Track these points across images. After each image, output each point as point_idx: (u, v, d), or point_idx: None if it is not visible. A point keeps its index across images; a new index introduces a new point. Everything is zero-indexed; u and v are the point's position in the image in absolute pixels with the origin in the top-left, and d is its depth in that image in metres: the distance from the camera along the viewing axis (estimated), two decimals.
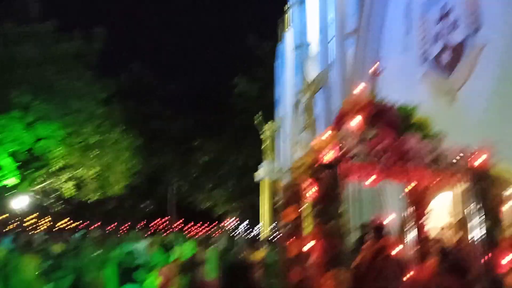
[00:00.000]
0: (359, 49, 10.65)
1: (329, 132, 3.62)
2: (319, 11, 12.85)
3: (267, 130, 17.55)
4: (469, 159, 3.16)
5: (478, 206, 2.94)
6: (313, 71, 14.19)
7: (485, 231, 2.87)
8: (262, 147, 17.78)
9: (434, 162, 3.14)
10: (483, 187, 2.97)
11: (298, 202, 3.79)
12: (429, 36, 8.41)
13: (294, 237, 3.77)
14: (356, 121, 3.51)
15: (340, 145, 3.30)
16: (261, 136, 17.83)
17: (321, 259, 3.11)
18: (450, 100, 7.67)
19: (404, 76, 9.20)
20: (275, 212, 14.64)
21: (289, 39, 17.30)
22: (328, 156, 3.14)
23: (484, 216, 2.91)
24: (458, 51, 7.48)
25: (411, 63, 8.99)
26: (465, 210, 3.06)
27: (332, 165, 3.22)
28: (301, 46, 16.93)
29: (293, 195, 3.90)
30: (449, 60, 7.70)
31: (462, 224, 3.00)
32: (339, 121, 3.79)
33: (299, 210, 3.81)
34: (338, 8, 11.44)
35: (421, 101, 8.48)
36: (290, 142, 15.91)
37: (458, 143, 7.04)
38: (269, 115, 18.77)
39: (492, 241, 2.87)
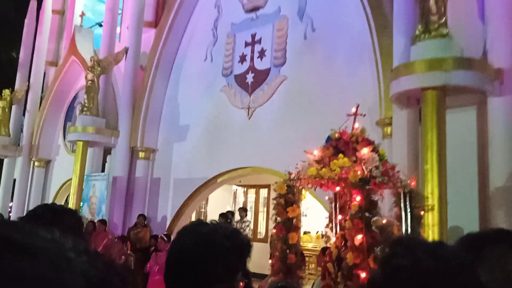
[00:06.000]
0: (157, 43, 10.83)
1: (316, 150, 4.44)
2: None
3: (5, 98, 14.71)
4: (403, 179, 4.35)
5: (408, 210, 4.22)
6: (86, 47, 13.22)
7: (410, 226, 4.23)
8: None
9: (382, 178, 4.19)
10: (411, 198, 4.27)
11: (296, 203, 4.35)
12: (235, 55, 9.61)
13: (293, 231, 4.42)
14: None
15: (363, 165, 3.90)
16: None
17: (365, 245, 3.87)
18: (247, 114, 9.05)
19: (205, 82, 10.09)
20: None
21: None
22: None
23: (410, 216, 4.24)
24: (261, 76, 8.95)
25: (213, 73, 9.96)
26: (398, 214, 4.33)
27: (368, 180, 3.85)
28: (62, 12, 15.36)
29: (292, 196, 4.41)
30: (252, 81, 9.09)
31: (397, 221, 4.25)
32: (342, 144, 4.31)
33: (297, 209, 4.32)
34: None
35: (218, 107, 9.64)
36: (39, 120, 14.05)
37: (253, 147, 8.53)
38: (11, 79, 15.83)
39: (415, 233, 4.24)
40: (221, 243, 1.22)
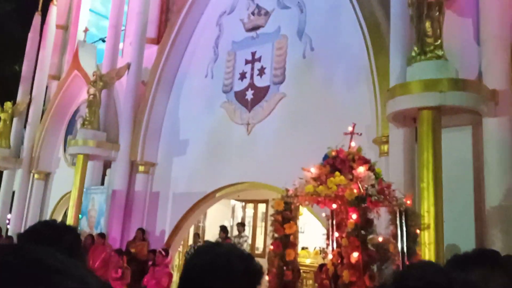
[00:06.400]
0: (159, 59, 11.00)
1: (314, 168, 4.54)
2: (112, 6, 12.42)
3: (7, 111, 14.82)
4: (400, 198, 4.44)
5: (404, 228, 4.30)
6: (89, 62, 13.40)
7: (406, 244, 4.31)
8: None
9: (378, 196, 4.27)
10: (407, 216, 4.35)
11: (293, 219, 4.47)
12: (235, 72, 9.77)
13: (290, 248, 4.50)
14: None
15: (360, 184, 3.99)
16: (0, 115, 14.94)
17: (361, 263, 3.95)
18: (246, 130, 9.16)
19: (206, 98, 10.23)
20: None
21: (53, 14, 15.51)
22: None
23: (406, 234, 4.32)
24: (261, 93, 9.09)
25: (213, 89, 10.11)
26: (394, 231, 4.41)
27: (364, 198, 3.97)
28: (66, 27, 15.63)
29: (289, 213, 4.51)
30: (252, 98, 9.22)
31: (393, 239, 4.32)
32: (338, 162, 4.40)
33: (294, 226, 4.42)
34: (143, 12, 11.47)
35: (218, 123, 9.75)
36: (40, 132, 14.17)
37: (252, 162, 8.63)
38: (12, 91, 15.99)
39: (411, 251, 4.32)
40: (236, 265, 1.25)
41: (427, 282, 0.99)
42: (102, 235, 9.34)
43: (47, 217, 13.33)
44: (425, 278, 1.00)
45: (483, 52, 6.08)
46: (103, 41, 13.74)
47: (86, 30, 14.72)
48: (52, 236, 1.62)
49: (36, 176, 13.97)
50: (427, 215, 5.36)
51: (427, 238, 5.31)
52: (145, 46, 11.43)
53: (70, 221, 10.16)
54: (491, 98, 5.79)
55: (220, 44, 10.33)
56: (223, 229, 10.17)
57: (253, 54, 9.50)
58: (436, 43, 5.78)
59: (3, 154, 14.13)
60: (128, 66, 11.27)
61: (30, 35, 15.53)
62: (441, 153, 5.59)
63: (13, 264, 0.51)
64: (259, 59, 9.32)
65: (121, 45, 12.50)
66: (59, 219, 13.13)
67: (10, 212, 14.18)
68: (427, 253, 5.26)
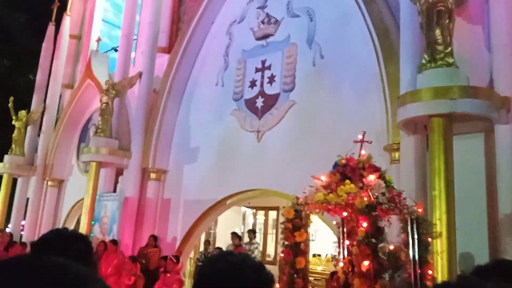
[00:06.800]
0: (170, 68, 11.14)
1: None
2: (124, 16, 12.62)
3: (21, 119, 15.11)
4: (411, 206, 4.46)
5: (416, 237, 4.32)
6: (101, 71, 13.61)
7: (418, 253, 4.29)
8: (13, 135, 15.19)
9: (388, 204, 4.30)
10: (418, 224, 4.36)
11: (304, 227, 4.55)
12: (245, 80, 9.84)
13: (300, 255, 4.55)
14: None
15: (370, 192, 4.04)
16: (14, 123, 15.24)
17: (372, 271, 3.96)
18: (256, 138, 9.21)
19: (216, 106, 10.32)
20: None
21: (66, 24, 15.81)
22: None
23: (418, 243, 4.32)
24: (271, 101, 9.14)
25: (224, 97, 10.20)
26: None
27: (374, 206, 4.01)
28: (79, 37, 15.91)
29: (299, 221, 4.57)
30: (262, 106, 9.28)
31: (405, 247, 4.34)
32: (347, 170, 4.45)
33: (305, 234, 4.49)
34: (154, 21, 11.64)
35: (229, 130, 9.83)
36: (53, 140, 14.41)
37: (262, 170, 8.67)
38: (27, 100, 16.29)
39: (423, 259, 4.31)
40: (249, 274, 1.28)
41: None
42: (114, 242, 9.43)
43: (60, 223, 13.51)
44: None
45: (494, 59, 6.05)
46: (116, 50, 13.97)
47: (98, 40, 14.96)
48: (64, 245, 1.66)
49: (49, 183, 14.17)
50: (439, 223, 5.33)
51: (439, 246, 5.26)
52: (156, 55, 11.58)
53: (83, 227, 10.29)
54: (502, 105, 5.75)
55: (230, 53, 10.42)
56: (236, 235, 10.21)
57: (263, 62, 9.57)
58: (446, 51, 5.77)
59: (18, 162, 14.37)
60: (140, 75, 11.42)
61: (44, 45, 15.84)
62: (453, 160, 5.56)
63: (44, 268, 0.57)
64: (269, 67, 9.38)
65: (133, 54, 12.68)
66: (72, 225, 13.30)
67: (24, 218, 14.39)
68: (440, 261, 5.22)
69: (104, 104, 11.12)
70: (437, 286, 0.86)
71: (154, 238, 9.99)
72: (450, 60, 5.78)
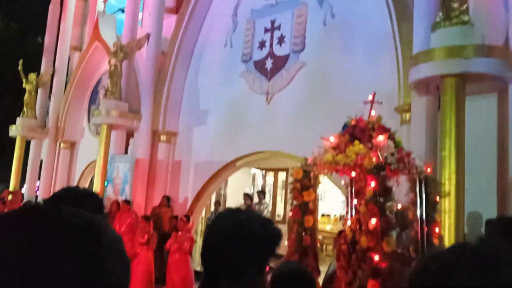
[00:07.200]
0: (178, 29, 10.97)
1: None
2: None
3: (31, 82, 15.14)
4: (420, 166, 4.49)
5: (424, 196, 4.38)
6: (109, 32, 13.45)
7: (425, 211, 4.36)
8: (24, 98, 15.29)
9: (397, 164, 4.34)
10: (426, 184, 4.41)
11: (312, 187, 4.69)
12: (254, 41, 9.68)
13: (308, 214, 4.69)
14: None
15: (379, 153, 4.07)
16: (25, 86, 15.30)
17: (379, 229, 4.12)
18: (266, 100, 9.17)
19: (225, 67, 10.23)
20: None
21: None
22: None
23: (426, 202, 4.39)
24: (280, 62, 9.02)
25: (233, 58, 10.07)
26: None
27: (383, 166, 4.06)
28: None
29: (308, 181, 4.69)
30: (271, 67, 9.17)
31: (412, 206, 4.41)
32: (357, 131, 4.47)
33: (313, 194, 4.62)
34: None
35: (238, 92, 9.78)
36: (63, 102, 14.50)
37: (272, 131, 8.69)
38: (36, 63, 16.28)
39: (430, 218, 4.38)
40: (257, 229, 1.33)
41: None
42: (127, 202, 9.66)
43: (74, 184, 13.83)
44: None
45: (510, 17, 5.86)
46: (123, 11, 13.73)
47: (105, 1, 14.71)
48: (76, 202, 1.68)
49: (62, 145, 14.40)
50: (448, 182, 5.36)
51: (447, 205, 5.32)
52: (164, 16, 11.38)
53: (96, 188, 10.53)
54: None
55: (239, 13, 10.20)
56: (248, 196, 10.39)
57: (273, 22, 9.36)
58: (461, 8, 5.59)
59: (30, 125, 14.56)
60: (147, 36, 11.28)
61: (50, 6, 15.63)
62: (465, 121, 5.51)
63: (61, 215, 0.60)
64: (279, 27, 9.19)
65: (140, 15, 12.48)
66: (86, 186, 13.61)
67: (39, 180, 14.75)
68: (447, 220, 5.29)
69: (113, 67, 11.08)
70: (452, 247, 0.81)
71: (167, 198, 10.21)
72: (466, 18, 5.60)
